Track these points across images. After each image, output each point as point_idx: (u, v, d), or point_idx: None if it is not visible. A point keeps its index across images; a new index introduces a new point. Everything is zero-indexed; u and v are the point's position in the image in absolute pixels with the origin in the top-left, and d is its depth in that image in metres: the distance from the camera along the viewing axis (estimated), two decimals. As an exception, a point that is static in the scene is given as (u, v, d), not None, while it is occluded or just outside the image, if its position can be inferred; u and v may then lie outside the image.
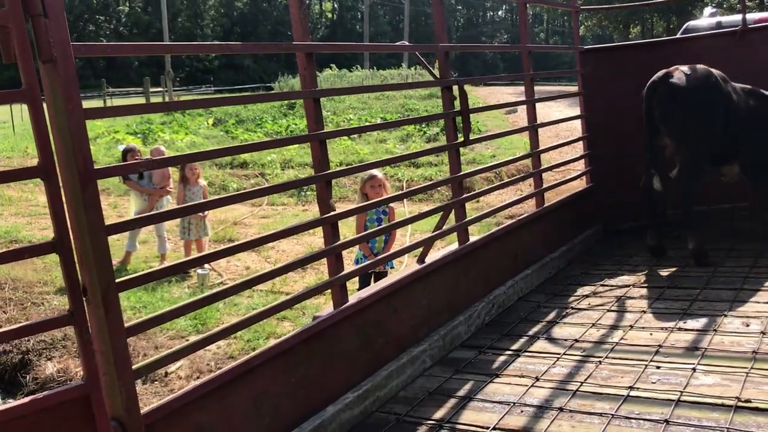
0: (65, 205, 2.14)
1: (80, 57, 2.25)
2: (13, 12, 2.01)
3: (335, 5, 77.64)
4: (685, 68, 5.29)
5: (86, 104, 2.26)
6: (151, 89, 31.47)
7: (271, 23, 64.47)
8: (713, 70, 5.30)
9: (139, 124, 19.68)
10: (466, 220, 4.37)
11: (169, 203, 9.00)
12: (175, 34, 56.40)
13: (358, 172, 3.93)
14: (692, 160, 5.21)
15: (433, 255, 4.23)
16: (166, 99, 29.16)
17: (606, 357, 3.69)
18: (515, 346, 3.99)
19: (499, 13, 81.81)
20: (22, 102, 2.03)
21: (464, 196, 4.37)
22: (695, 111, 5.15)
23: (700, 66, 5.33)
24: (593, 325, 4.21)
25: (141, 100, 31.28)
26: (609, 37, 49.41)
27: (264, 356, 2.85)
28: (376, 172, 5.97)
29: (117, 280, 2.25)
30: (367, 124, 17.43)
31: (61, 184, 2.12)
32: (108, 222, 2.24)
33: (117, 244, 9.09)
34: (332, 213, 3.28)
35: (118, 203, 12.23)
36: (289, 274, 7.74)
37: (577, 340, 3.97)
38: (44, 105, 2.10)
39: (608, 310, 4.45)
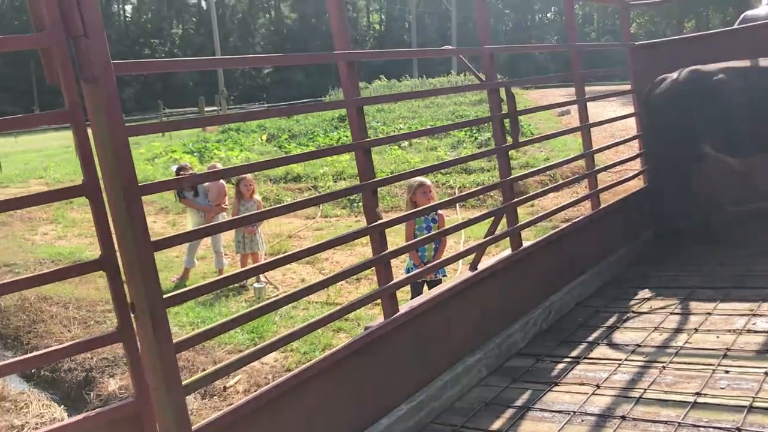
0: (111, 223, 2.15)
1: (135, 76, 2.27)
2: (55, 34, 2.04)
3: (382, 17, 78.05)
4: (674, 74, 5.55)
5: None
6: (206, 108, 32.16)
7: (321, 38, 65.16)
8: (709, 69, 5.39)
9: (195, 143, 20.08)
10: (519, 224, 4.27)
11: (225, 219, 9.12)
12: (227, 54, 57.59)
13: (404, 179, 3.88)
14: None
15: (486, 261, 4.14)
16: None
17: (670, 362, 3.54)
18: (574, 353, 3.87)
19: (548, 15, 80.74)
20: (65, 122, 2.06)
21: (515, 200, 4.27)
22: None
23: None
24: (655, 329, 4.05)
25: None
26: (662, 34, 48.23)
27: (315, 369, 2.82)
28: (424, 179, 5.91)
29: (164, 296, 2.26)
30: (425, 128, 17.37)
31: (106, 202, 2.14)
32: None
33: (176, 261, 9.28)
34: (379, 221, 3.24)
35: (177, 221, 12.47)
36: (343, 286, 7.74)
37: (639, 345, 3.82)
38: (87, 124, 2.13)
39: (671, 313, 4.28)
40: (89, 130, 2.13)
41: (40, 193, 2.05)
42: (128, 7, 68.55)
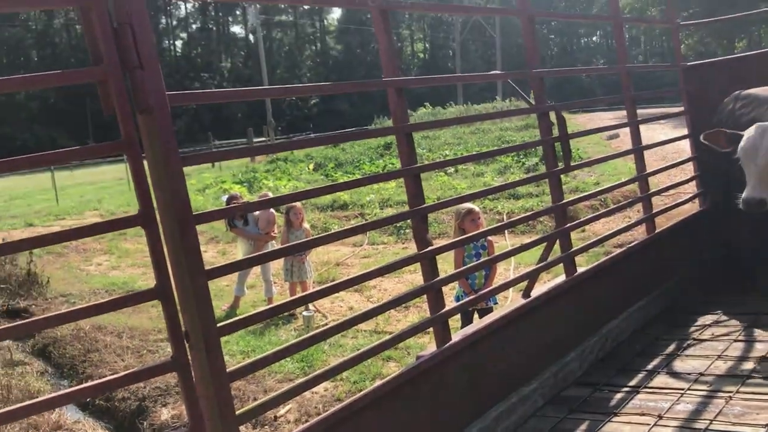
0: (166, 252, 2.17)
1: (186, 109, 2.30)
2: (112, 66, 2.08)
3: (426, 45, 78.61)
4: None
5: None
6: (255, 139, 32.73)
7: (365, 68, 65.96)
8: None
9: (245, 173, 20.43)
10: (572, 250, 4.17)
11: (274, 248, 9.19)
12: (275, 85, 58.68)
13: (453, 205, 3.84)
14: None
15: (539, 288, 4.05)
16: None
17: (737, 391, 3.39)
18: (633, 382, 3.74)
19: (594, 38, 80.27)
20: (121, 152, 2.09)
21: (568, 225, 4.18)
22: None
23: None
24: (719, 356, 3.90)
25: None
26: (712, 54, 47.31)
27: (367, 398, 2.78)
28: (473, 206, 5.86)
29: (218, 325, 2.25)
30: (473, 153, 17.31)
31: (161, 231, 2.16)
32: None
33: (227, 289, 9.37)
34: (429, 248, 3.20)
35: (227, 250, 12.63)
36: (392, 314, 7.69)
37: (701, 374, 3.68)
38: (143, 154, 2.16)
39: (735, 340, 4.12)
40: (144, 161, 2.16)
41: (97, 224, 2.08)
42: (179, 42, 70.63)
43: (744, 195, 4.17)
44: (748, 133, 4.33)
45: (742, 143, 4.34)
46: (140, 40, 2.11)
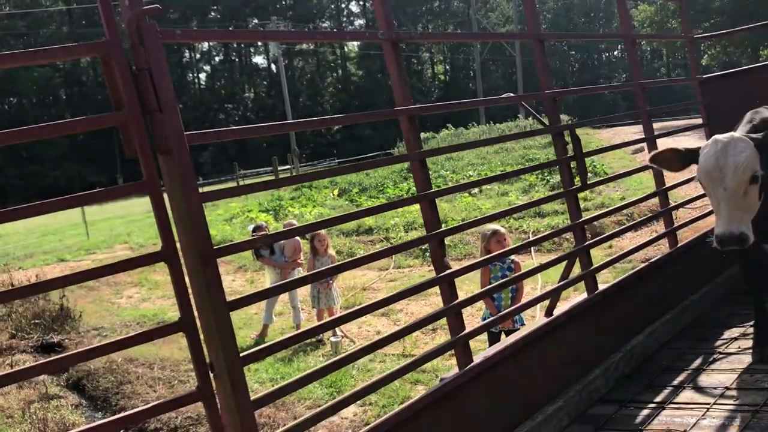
0: (189, 286, 2.25)
1: (209, 145, 2.40)
2: (133, 111, 2.19)
3: (447, 67, 78.97)
4: None
5: (221, 187, 2.41)
6: (280, 167, 33.08)
7: (387, 92, 66.40)
8: None
9: (270, 202, 20.64)
10: (592, 267, 4.19)
11: (300, 275, 9.28)
12: (297, 113, 59.30)
13: (470, 228, 3.89)
14: None
15: (562, 306, 4.07)
16: (293, 175, 30.54)
17: (764, 404, 3.37)
18: (659, 398, 3.73)
19: (615, 53, 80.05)
20: (144, 193, 2.19)
21: (588, 242, 4.21)
22: None
23: None
24: (745, 370, 3.87)
25: (270, 179, 32.84)
26: (737, 63, 46.90)
27: (391, 422, 2.82)
28: (498, 227, 5.88)
29: (241, 354, 2.33)
30: (482, 177, 17.35)
31: (184, 266, 2.24)
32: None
33: (255, 317, 9.47)
34: (448, 271, 3.25)
35: (255, 278, 12.76)
36: (418, 336, 7.71)
37: (728, 388, 3.66)
38: (164, 193, 2.25)
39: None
40: (166, 199, 2.25)
41: (122, 261, 2.18)
42: (202, 75, 71.84)
43: (718, 231, 3.38)
44: (706, 149, 3.55)
45: (700, 163, 3.55)
46: (159, 85, 2.22)
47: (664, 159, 3.81)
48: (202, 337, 2.28)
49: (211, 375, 2.27)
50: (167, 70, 2.31)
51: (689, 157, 3.69)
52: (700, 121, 6.29)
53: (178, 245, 2.23)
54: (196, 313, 2.26)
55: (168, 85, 2.27)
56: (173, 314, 10.48)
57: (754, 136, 3.55)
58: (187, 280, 2.27)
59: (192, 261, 2.26)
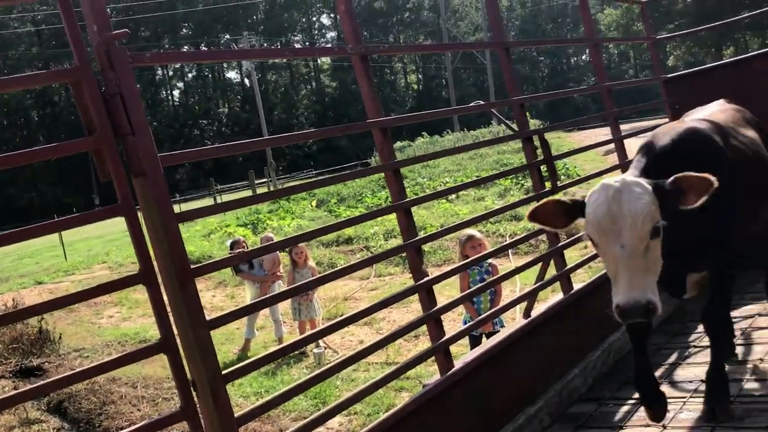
0: (168, 306, 2.28)
1: (187, 162, 2.43)
2: (105, 135, 2.22)
3: (419, 76, 79.29)
4: None
5: (198, 203, 2.44)
6: (257, 180, 33.00)
7: (362, 103, 66.36)
8: None
9: (249, 215, 20.58)
10: (566, 268, 4.27)
11: (281, 287, 9.28)
12: (272, 126, 59.20)
13: (447, 234, 3.95)
14: None
15: (539, 308, 4.14)
16: (271, 188, 30.48)
17: (738, 395, 3.45)
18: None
19: (583, 57, 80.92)
20: (119, 216, 2.21)
21: (560, 244, 4.29)
22: None
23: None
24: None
25: (248, 193, 32.79)
26: (701, 63, 47.66)
27: (376, 431, 2.86)
28: (473, 231, 5.94)
29: (223, 372, 2.35)
30: (457, 184, 17.50)
31: (162, 286, 2.27)
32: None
33: (237, 333, 9.44)
34: (426, 279, 3.30)
35: (235, 293, 12.72)
36: (401, 344, 7.75)
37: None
38: (140, 215, 2.28)
39: (735, 344, 4.18)
40: (142, 221, 2.28)
41: (101, 285, 2.20)
42: (176, 92, 71.45)
43: (619, 300, 2.74)
44: (594, 197, 2.89)
45: (588, 215, 2.89)
46: (130, 108, 2.25)
47: (545, 214, 3.05)
48: (183, 356, 2.30)
49: (194, 393, 2.29)
50: (138, 93, 2.34)
51: (576, 208, 2.99)
52: (663, 121, 6.41)
53: (156, 266, 2.26)
54: (176, 333, 2.28)
55: (140, 108, 2.30)
56: (155, 332, 10.37)
57: (653, 182, 2.92)
58: (166, 300, 2.29)
59: (170, 282, 2.28)
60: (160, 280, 2.27)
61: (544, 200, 3.09)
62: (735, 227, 3.46)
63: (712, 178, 2.74)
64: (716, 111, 3.95)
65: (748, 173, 3.50)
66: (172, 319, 2.30)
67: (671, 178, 2.84)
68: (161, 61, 2.76)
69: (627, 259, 2.72)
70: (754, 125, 4.03)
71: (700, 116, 3.82)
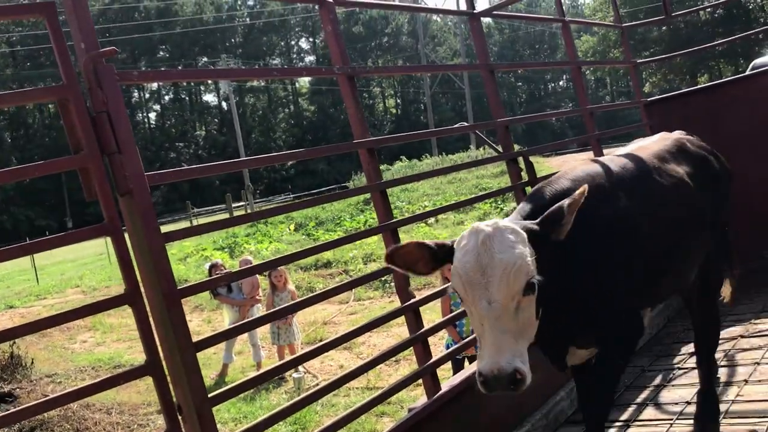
0: (154, 328, 2.23)
1: (162, 184, 2.39)
2: (92, 154, 2.18)
3: (398, 101, 79.82)
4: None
5: (174, 226, 2.40)
6: (234, 204, 32.82)
7: (340, 126, 66.80)
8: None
9: (225, 239, 20.42)
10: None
11: (260, 311, 9.18)
12: (250, 150, 59.08)
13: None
14: None
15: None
16: (248, 211, 30.33)
17: (723, 417, 3.45)
18: (624, 416, 3.79)
19: (561, 83, 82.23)
20: (104, 235, 2.16)
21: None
22: None
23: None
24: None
25: (225, 216, 32.59)
26: (676, 90, 48.63)
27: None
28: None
29: (209, 395, 2.30)
30: (443, 205, 17.56)
31: (148, 307, 2.22)
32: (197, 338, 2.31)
33: (214, 357, 9.31)
34: (412, 300, 3.27)
35: (212, 317, 12.56)
36: (382, 369, 7.68)
37: (688, 403, 3.74)
38: (126, 234, 2.23)
39: (718, 366, 4.19)
40: (128, 240, 2.23)
41: (86, 306, 2.14)
42: (152, 115, 71.14)
43: (482, 367, 2.34)
44: (463, 242, 2.52)
45: (455, 263, 2.52)
46: (117, 126, 2.22)
47: (405, 258, 2.66)
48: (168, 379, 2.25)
49: (180, 417, 2.24)
50: (125, 111, 2.31)
51: (443, 253, 2.61)
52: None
53: (141, 287, 2.21)
54: (161, 355, 2.23)
55: (127, 126, 2.27)
56: (129, 357, 10.22)
57: (528, 224, 2.56)
58: (151, 321, 2.24)
59: (156, 302, 2.24)
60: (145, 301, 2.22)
61: (406, 242, 2.68)
62: (654, 286, 3.12)
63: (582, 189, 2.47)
64: (647, 145, 3.59)
65: (663, 217, 3.13)
66: (157, 341, 2.25)
67: (540, 218, 2.52)
68: (149, 80, 2.74)
69: (494, 318, 2.34)
70: (697, 158, 3.65)
71: (620, 152, 3.50)
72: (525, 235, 2.45)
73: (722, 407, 3.59)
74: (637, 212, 3.00)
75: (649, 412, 3.78)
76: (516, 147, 4.50)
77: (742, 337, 4.64)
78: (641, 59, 6.91)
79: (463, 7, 4.59)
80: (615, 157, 3.38)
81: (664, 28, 43.07)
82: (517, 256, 2.37)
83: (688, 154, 3.64)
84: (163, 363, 2.23)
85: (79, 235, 2.26)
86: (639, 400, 3.98)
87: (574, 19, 8.27)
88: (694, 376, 4.12)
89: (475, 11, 4.50)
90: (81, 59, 2.27)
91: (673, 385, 4.08)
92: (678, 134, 3.88)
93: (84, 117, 2.19)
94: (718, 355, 4.38)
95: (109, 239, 2.15)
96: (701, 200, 3.42)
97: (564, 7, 5.82)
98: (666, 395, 3.96)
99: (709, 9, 41.54)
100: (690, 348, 4.66)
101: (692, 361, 4.40)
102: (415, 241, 2.65)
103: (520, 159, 4.37)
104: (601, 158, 3.41)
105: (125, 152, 2.23)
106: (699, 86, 7.18)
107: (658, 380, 4.22)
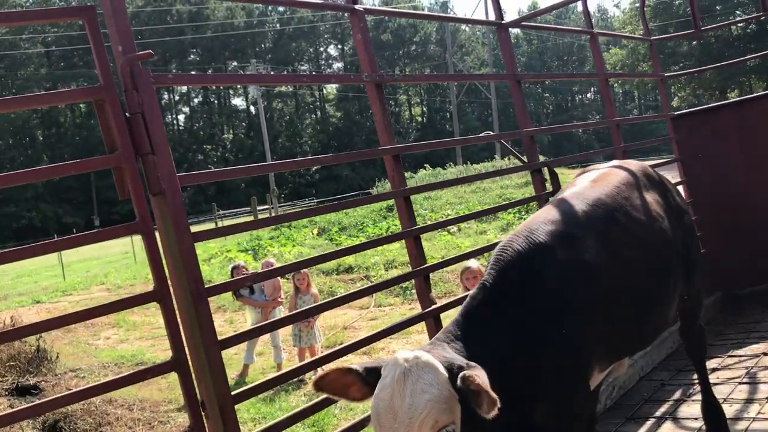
0: (181, 325, 2.28)
1: (189, 186, 2.46)
2: (126, 153, 2.25)
3: (424, 109, 79.89)
4: None
5: (199, 227, 2.46)
6: (259, 207, 33.07)
7: (365, 133, 67.02)
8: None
9: (249, 242, 20.59)
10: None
11: (282, 313, 9.25)
12: (276, 154, 59.50)
13: (454, 264, 3.95)
14: None
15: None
16: (272, 214, 30.54)
17: (744, 435, 3.43)
18: (642, 430, 3.78)
19: (588, 95, 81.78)
20: (136, 233, 2.23)
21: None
22: None
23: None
24: (724, 400, 3.94)
25: (250, 219, 32.83)
26: (705, 105, 48.06)
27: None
28: (471, 263, 5.97)
29: (233, 393, 2.35)
30: (464, 214, 17.56)
31: (175, 305, 2.28)
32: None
33: (235, 358, 9.40)
34: (434, 306, 3.30)
35: (234, 318, 12.67)
36: (401, 375, 7.70)
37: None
38: (156, 233, 2.30)
39: (740, 383, 4.17)
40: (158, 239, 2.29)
41: (115, 302, 2.21)
42: (181, 117, 71.96)
43: None
44: (385, 372, 2.21)
45: (373, 399, 2.22)
46: (151, 128, 2.28)
47: (334, 385, 2.32)
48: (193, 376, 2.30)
49: (203, 414, 2.29)
50: (159, 113, 2.38)
51: (373, 377, 2.26)
52: (665, 159, 6.48)
53: (170, 284, 2.27)
54: (187, 352, 2.28)
55: (160, 128, 2.34)
56: (152, 355, 10.35)
57: (455, 359, 2.22)
58: (178, 319, 2.30)
59: (184, 300, 2.29)
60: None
61: (331, 369, 2.30)
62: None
63: (495, 400, 2.01)
64: (600, 184, 3.16)
65: (634, 258, 2.89)
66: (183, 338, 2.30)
67: (461, 375, 2.11)
68: (183, 83, 2.81)
69: None
70: (663, 189, 3.41)
71: (570, 196, 3.02)
72: (445, 374, 2.13)
73: (743, 425, 3.57)
74: (607, 259, 2.74)
75: (668, 427, 3.76)
76: (541, 158, 4.51)
77: (765, 354, 4.60)
78: (670, 73, 6.88)
79: (492, 17, 4.63)
80: (582, 191, 3.05)
81: (694, 42, 42.68)
82: (426, 404, 2.07)
83: (655, 184, 3.39)
84: (189, 360, 2.28)
85: (111, 233, 2.33)
86: (658, 413, 3.97)
87: (602, 31, 8.25)
88: (715, 391, 4.10)
89: (503, 22, 4.53)
90: (118, 62, 2.34)
91: (693, 401, 4.06)
92: (638, 163, 3.57)
93: (119, 118, 2.26)
94: (740, 373, 4.35)
95: (135, 238, 2.22)
96: (672, 234, 3.18)
97: (593, 20, 5.83)
98: (685, 410, 3.94)
99: (740, 24, 41.10)
100: (711, 363, 4.64)
101: (713, 377, 4.38)
102: (341, 366, 2.29)
103: (545, 169, 4.39)
104: (568, 195, 3.04)
105: (158, 153, 2.30)
106: (727, 101, 7.13)
107: (677, 395, 4.20)
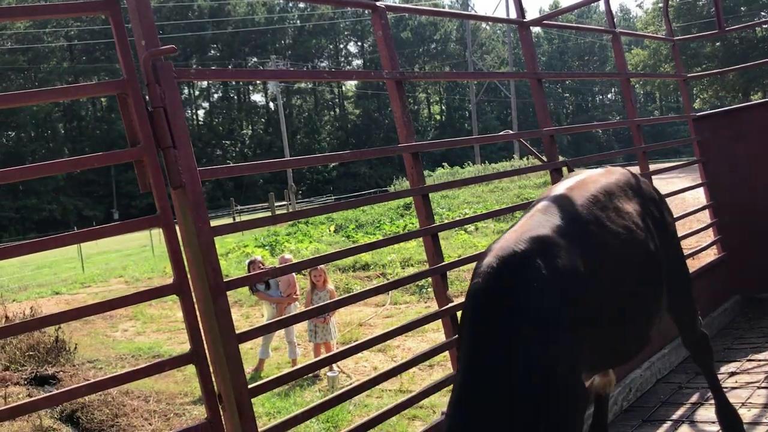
0: (199, 318, 2.30)
1: (208, 180, 2.47)
2: (148, 147, 2.27)
3: (443, 107, 79.76)
4: None
5: (217, 222, 2.47)
6: (276, 203, 33.20)
7: (384, 131, 67.02)
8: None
9: (266, 237, 20.69)
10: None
11: (297, 310, 9.29)
12: (294, 150, 59.68)
13: (471, 262, 3.94)
14: None
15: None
16: (290, 210, 30.65)
17: (762, 441, 3.40)
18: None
19: (609, 95, 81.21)
20: (157, 227, 2.25)
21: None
22: None
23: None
24: (743, 404, 3.91)
25: (267, 215, 32.96)
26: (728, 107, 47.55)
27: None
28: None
29: (249, 386, 2.36)
30: (487, 211, 17.50)
31: (194, 298, 2.29)
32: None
33: (251, 352, 9.45)
34: (451, 304, 3.30)
35: (250, 313, 12.74)
36: (416, 373, 7.70)
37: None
38: (176, 227, 2.31)
39: (759, 387, 4.13)
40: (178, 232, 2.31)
41: (134, 294, 2.23)
42: (200, 112, 72.36)
43: None
44: None
45: None
46: (173, 122, 2.30)
47: None
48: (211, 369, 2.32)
49: (219, 406, 2.30)
50: (181, 107, 2.40)
51: None
52: (686, 161, 6.42)
53: (189, 277, 2.28)
54: (205, 345, 2.30)
55: (182, 122, 2.35)
56: (168, 348, 10.44)
57: None
58: (196, 312, 2.31)
59: (203, 293, 2.31)
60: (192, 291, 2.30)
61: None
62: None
63: None
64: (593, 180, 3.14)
65: (617, 268, 2.81)
66: (201, 331, 2.32)
67: None
68: (204, 78, 2.82)
69: None
70: (647, 197, 3.29)
71: (550, 208, 2.86)
72: None
73: (761, 429, 3.54)
74: (580, 274, 2.61)
75: (685, 430, 3.74)
76: (560, 158, 4.49)
77: (785, 360, 4.55)
78: (692, 74, 6.82)
79: (513, 15, 4.61)
80: (555, 204, 2.88)
81: (717, 43, 42.23)
82: None
83: (637, 194, 3.24)
84: (206, 353, 2.29)
85: (132, 226, 2.35)
86: (675, 416, 3.94)
87: (624, 30, 8.20)
88: (731, 396, 4.06)
89: (525, 20, 4.51)
90: (141, 55, 2.35)
91: (710, 404, 4.02)
92: (621, 170, 3.45)
93: (142, 111, 2.27)
94: (759, 377, 4.31)
95: (153, 232, 2.24)
96: (653, 246, 3.05)
97: (615, 20, 5.78)
98: (703, 413, 3.91)
99: (765, 26, 40.59)
100: (729, 367, 4.59)
101: (731, 381, 4.34)
102: None
103: (564, 169, 4.36)
104: (548, 204, 2.90)
105: (180, 147, 2.31)
106: (750, 102, 7.05)
107: (695, 398, 4.17)
